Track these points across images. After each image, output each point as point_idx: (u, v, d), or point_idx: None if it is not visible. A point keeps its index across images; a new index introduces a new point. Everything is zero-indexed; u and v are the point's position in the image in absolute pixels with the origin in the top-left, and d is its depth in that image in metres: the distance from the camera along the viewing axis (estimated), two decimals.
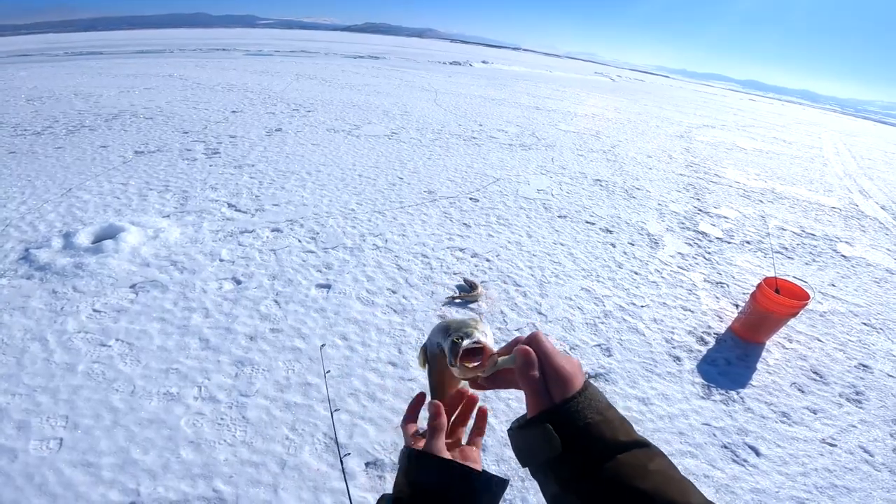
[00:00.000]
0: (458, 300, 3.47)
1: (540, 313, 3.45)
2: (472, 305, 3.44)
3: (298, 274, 3.61)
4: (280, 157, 6.14)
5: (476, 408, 0.70)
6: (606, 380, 3.00)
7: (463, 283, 3.66)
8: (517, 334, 3.20)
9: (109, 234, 3.93)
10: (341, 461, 1.85)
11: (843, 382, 3.42)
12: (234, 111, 8.70)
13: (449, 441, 0.62)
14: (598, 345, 3.28)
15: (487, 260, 4.01)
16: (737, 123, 18.43)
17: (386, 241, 4.11)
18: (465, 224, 4.59)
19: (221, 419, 2.37)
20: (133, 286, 3.29)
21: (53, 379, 2.46)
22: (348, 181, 5.49)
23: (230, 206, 4.62)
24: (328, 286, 3.49)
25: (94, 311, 3.01)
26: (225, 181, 5.21)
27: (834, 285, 4.82)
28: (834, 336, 3.91)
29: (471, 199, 5.21)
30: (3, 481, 1.95)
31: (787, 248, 5.54)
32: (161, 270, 3.51)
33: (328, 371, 2.78)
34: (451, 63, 20.13)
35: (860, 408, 3.22)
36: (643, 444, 0.49)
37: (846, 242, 6.12)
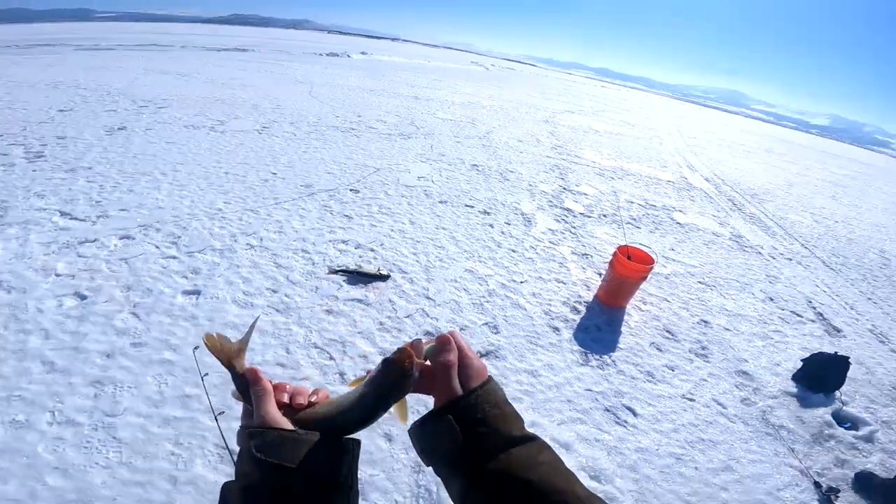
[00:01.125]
0: (347, 272, 3.46)
1: (428, 298, 3.56)
2: (364, 292, 3.43)
3: (159, 282, 3.25)
4: (125, 158, 5.38)
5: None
6: (497, 356, 3.15)
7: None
8: (407, 321, 3.30)
9: None
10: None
11: (690, 339, 3.88)
12: (61, 110, 7.39)
13: (290, 404, 0.55)
14: (486, 323, 3.45)
15: (371, 250, 4.01)
16: (592, 108, 20.76)
17: (261, 239, 3.87)
18: (346, 216, 4.52)
19: (87, 442, 2.13)
20: None
21: None
22: (213, 180, 5.03)
23: (63, 214, 3.96)
24: (197, 292, 3.20)
25: None
26: (54, 187, 4.44)
27: (673, 249, 5.63)
28: (678, 296, 4.50)
29: (351, 190, 5.14)
30: None
31: (635, 219, 6.38)
32: None
33: (205, 374, 2.57)
34: (328, 54, 19.37)
35: (707, 362, 3.66)
36: (533, 439, 0.52)
37: (680, 211, 7.25)
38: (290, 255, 3.73)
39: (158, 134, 6.50)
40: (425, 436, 0.53)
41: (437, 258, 4.11)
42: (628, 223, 6.17)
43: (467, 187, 6.09)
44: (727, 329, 4.11)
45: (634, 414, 2.93)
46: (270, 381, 0.55)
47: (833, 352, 3.78)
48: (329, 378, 2.73)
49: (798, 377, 3.68)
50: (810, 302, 5.05)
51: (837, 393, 3.62)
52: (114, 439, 2.16)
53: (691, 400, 3.19)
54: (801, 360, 3.74)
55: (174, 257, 3.55)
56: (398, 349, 0.53)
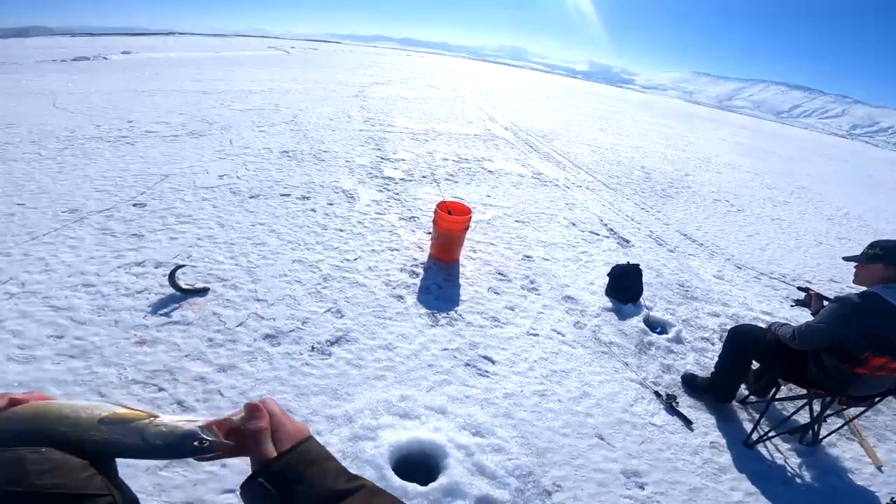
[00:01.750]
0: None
1: (258, 300, 3.32)
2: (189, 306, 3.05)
3: None
4: None
5: None
6: (348, 340, 3.06)
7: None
8: (240, 330, 3.07)
9: None
10: None
11: (520, 276, 4.13)
12: None
13: None
14: (328, 310, 3.33)
15: (179, 266, 3.56)
16: (399, 77, 21.29)
17: (22, 284, 3.11)
18: (135, 235, 3.87)
19: None
20: None
21: None
22: None
23: None
24: None
25: None
26: None
27: (489, 196, 6.19)
28: (501, 237, 4.91)
29: (135, 205, 4.39)
30: None
31: (451, 175, 6.86)
32: None
33: None
34: (73, 60, 15.67)
35: (538, 294, 3.90)
36: (359, 488, 0.52)
37: (489, 160, 8.03)
38: (69, 293, 3.08)
39: None
40: (247, 498, 0.54)
41: (259, 256, 3.86)
42: (446, 179, 6.63)
43: (280, 176, 5.77)
44: (546, 259, 4.59)
45: (492, 362, 3.05)
46: None
47: (626, 261, 4.23)
48: (165, 409, 2.42)
49: (609, 291, 4.04)
50: (602, 220, 6.06)
51: (642, 300, 4.00)
52: None
53: (535, 335, 3.39)
54: (607, 275, 4.14)
55: None
56: (206, 424, 0.56)
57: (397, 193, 5.78)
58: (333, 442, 2.37)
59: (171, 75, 13.65)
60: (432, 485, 2.24)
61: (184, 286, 3.23)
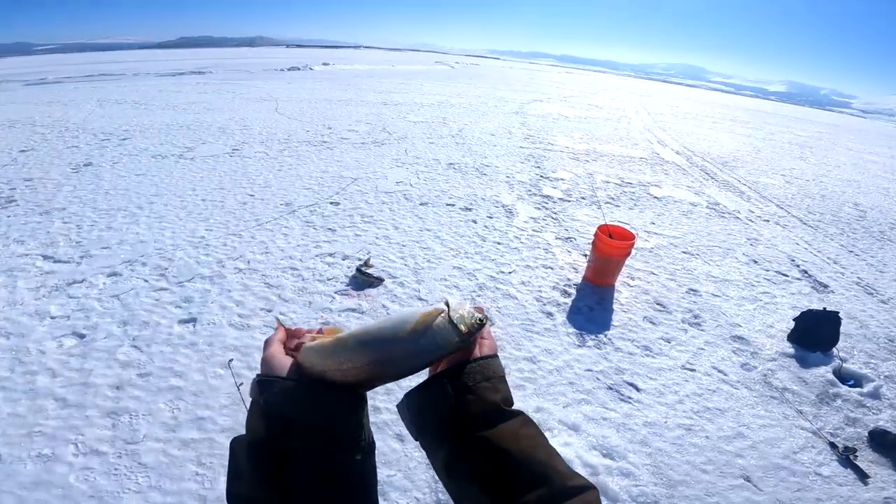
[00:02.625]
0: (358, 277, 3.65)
1: (420, 299, 3.70)
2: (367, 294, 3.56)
3: (154, 314, 3.33)
4: (98, 195, 5.40)
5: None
6: None
7: (357, 273, 3.81)
8: None
9: None
10: None
11: (681, 309, 3.94)
12: (22, 150, 7.30)
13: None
14: None
15: (359, 259, 4.14)
16: (559, 95, 21.15)
17: (248, 262, 3.97)
18: (329, 229, 4.65)
19: (115, 469, 2.22)
20: None
21: None
22: (191, 208, 5.10)
23: (46, 258, 3.99)
24: (193, 320, 3.30)
25: None
26: (32, 231, 4.45)
27: (654, 223, 5.82)
28: (664, 268, 4.63)
29: (331, 203, 5.26)
30: None
31: (613, 198, 6.60)
32: None
33: (241, 384, 2.68)
34: (289, 69, 19.31)
35: (701, 330, 3.71)
36: (518, 414, 0.54)
37: (656, 186, 7.52)
38: (280, 273, 3.84)
39: (126, 167, 6.50)
40: (418, 404, 0.55)
41: (424, 259, 4.26)
42: (606, 203, 6.40)
43: (446, 186, 6.26)
44: (716, 295, 4.23)
45: (637, 389, 2.98)
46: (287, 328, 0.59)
47: (822, 308, 3.80)
48: None
49: (793, 337, 3.69)
50: (793, 260, 5.25)
51: (834, 350, 3.62)
52: (139, 465, 2.26)
53: (691, 370, 3.24)
54: (793, 320, 3.77)
55: (165, 289, 3.62)
56: (476, 308, 0.58)
57: (555, 213, 5.78)
58: None
59: (358, 86, 15.77)
60: None
61: (370, 273, 3.76)
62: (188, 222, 4.74)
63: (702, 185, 8.13)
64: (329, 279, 3.81)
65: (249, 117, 9.15)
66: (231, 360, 2.91)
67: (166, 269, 3.89)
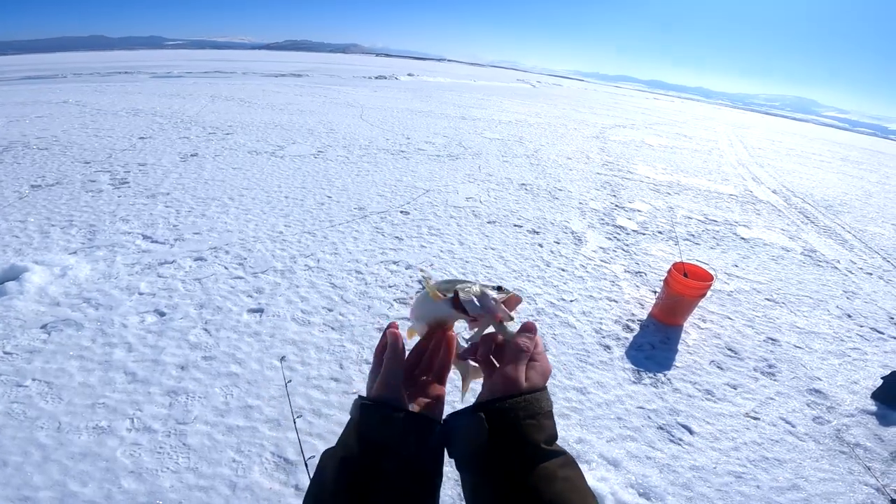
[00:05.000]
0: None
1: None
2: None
3: (227, 301, 3.53)
4: (198, 184, 5.91)
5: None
6: None
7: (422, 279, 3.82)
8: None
9: (11, 275, 3.63)
10: (305, 464, 1.86)
11: (755, 357, 3.71)
12: (142, 137, 8.22)
13: (413, 384, 0.58)
14: None
15: (421, 270, 4.14)
16: (644, 122, 20.19)
17: (318, 260, 4.12)
18: (397, 237, 4.71)
19: (161, 448, 2.32)
20: (44, 326, 3.08)
21: None
22: (274, 203, 5.42)
23: (145, 237, 4.40)
24: (261, 310, 3.45)
25: (5, 353, 2.81)
26: (137, 212, 4.94)
27: (737, 266, 5.35)
28: (742, 313, 4.27)
29: (402, 212, 5.35)
30: None
31: (693, 235, 6.13)
32: (74, 309, 3.31)
33: (289, 381, 2.78)
34: (376, 77, 20.32)
35: (775, 380, 3.50)
36: (559, 454, 0.50)
37: (744, 226, 6.88)
38: (345, 275, 3.94)
39: (226, 160, 7.08)
40: (454, 431, 0.52)
41: (485, 278, 4.17)
42: (686, 239, 5.95)
43: (515, 207, 6.14)
44: (798, 347, 3.89)
45: (690, 432, 2.85)
46: (405, 349, 0.57)
47: None
48: None
49: (878, 395, 3.45)
50: (893, 318, 4.64)
51: None
52: (184, 446, 2.35)
53: (755, 419, 3.06)
54: (882, 378, 3.49)
55: (241, 277, 3.84)
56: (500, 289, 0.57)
57: (627, 245, 5.46)
58: None
59: (439, 99, 16.11)
60: None
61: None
62: (270, 216, 5.04)
63: (799, 229, 7.32)
64: (391, 286, 3.84)
65: (336, 121, 9.64)
66: (283, 358, 3.00)
67: (245, 259, 4.13)
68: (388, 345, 0.55)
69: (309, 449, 2.44)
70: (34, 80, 19.22)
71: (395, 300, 3.68)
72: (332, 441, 2.11)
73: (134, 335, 3.08)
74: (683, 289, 3.63)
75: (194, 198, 5.44)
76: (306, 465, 1.83)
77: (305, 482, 2.21)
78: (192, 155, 7.26)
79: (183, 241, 4.38)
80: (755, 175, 11.57)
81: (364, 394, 0.56)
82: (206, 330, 3.20)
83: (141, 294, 3.55)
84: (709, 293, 3.88)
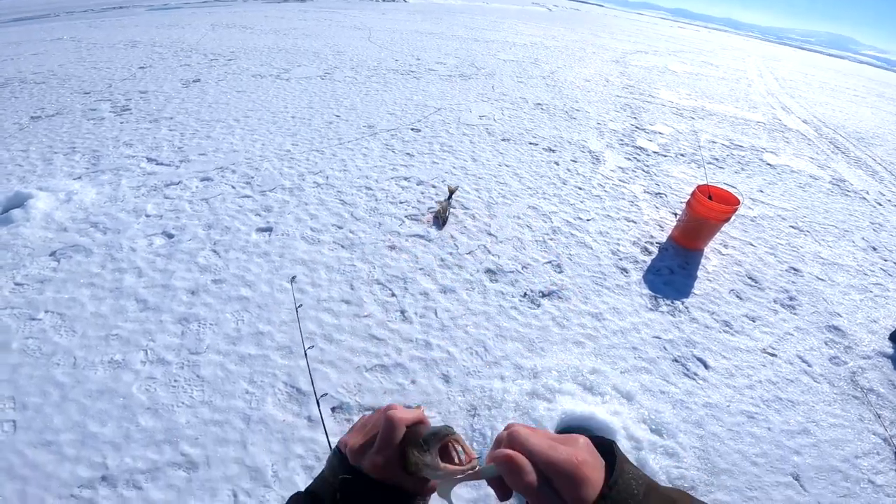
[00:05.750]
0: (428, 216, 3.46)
1: (490, 234, 3.41)
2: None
3: (236, 220, 3.35)
4: (202, 108, 5.54)
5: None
6: (560, 297, 3.00)
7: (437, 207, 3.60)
8: (468, 259, 3.19)
9: (16, 202, 3.46)
10: (317, 402, 1.75)
11: (776, 287, 3.51)
12: (141, 67, 7.71)
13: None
14: (549, 262, 3.27)
15: (433, 186, 3.88)
16: (668, 49, 18.58)
17: (327, 177, 3.86)
18: (407, 154, 4.39)
19: (175, 381, 2.23)
20: (53, 253, 2.93)
21: None
22: (281, 124, 5.07)
23: (150, 160, 4.16)
24: (269, 229, 3.26)
25: (16, 284, 2.67)
26: (140, 137, 4.66)
27: (762, 191, 5.04)
28: (765, 240, 4.04)
29: (412, 129, 4.98)
30: None
31: (717, 159, 5.73)
32: (81, 234, 3.14)
33: (300, 305, 2.64)
34: (383, 0, 18.81)
35: (794, 314, 3.31)
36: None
37: (771, 152, 6.41)
38: (354, 192, 3.69)
39: (229, 84, 6.62)
40: None
41: (499, 194, 3.91)
42: (710, 163, 5.53)
43: (531, 125, 5.70)
44: (820, 279, 3.66)
45: (706, 366, 2.71)
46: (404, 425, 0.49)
47: None
48: (390, 315, 2.71)
49: None
50: None
51: None
52: (197, 378, 2.26)
53: (772, 355, 2.89)
54: None
55: (248, 196, 3.63)
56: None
57: (647, 166, 5.09)
58: (513, 391, 2.34)
59: (450, 21, 14.88)
60: None
61: (442, 205, 3.54)
62: (277, 136, 4.73)
63: (828, 158, 6.77)
64: (402, 202, 3.60)
65: (343, 44, 8.93)
66: (294, 278, 2.84)
67: (252, 177, 3.89)
68: (385, 424, 0.49)
69: (321, 378, 2.34)
70: (25, 20, 18.12)
71: (406, 216, 3.45)
72: (343, 369, 2.08)
73: (143, 259, 2.94)
74: (707, 212, 3.37)
75: (198, 121, 5.11)
76: (318, 402, 1.71)
77: (316, 414, 2.13)
78: (194, 81, 6.80)
79: (188, 163, 4.13)
80: (785, 105, 10.68)
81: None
82: (214, 251, 3.04)
83: (148, 216, 3.36)
84: (732, 218, 3.64)
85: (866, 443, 2.49)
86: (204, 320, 2.56)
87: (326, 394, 2.23)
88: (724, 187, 4.10)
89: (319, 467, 1.97)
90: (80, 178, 3.83)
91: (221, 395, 2.19)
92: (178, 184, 3.78)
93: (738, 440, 2.33)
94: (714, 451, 2.25)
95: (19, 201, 3.44)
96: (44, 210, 3.35)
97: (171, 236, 3.16)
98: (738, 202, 3.38)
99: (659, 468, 2.14)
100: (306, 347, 1.87)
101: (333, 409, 2.21)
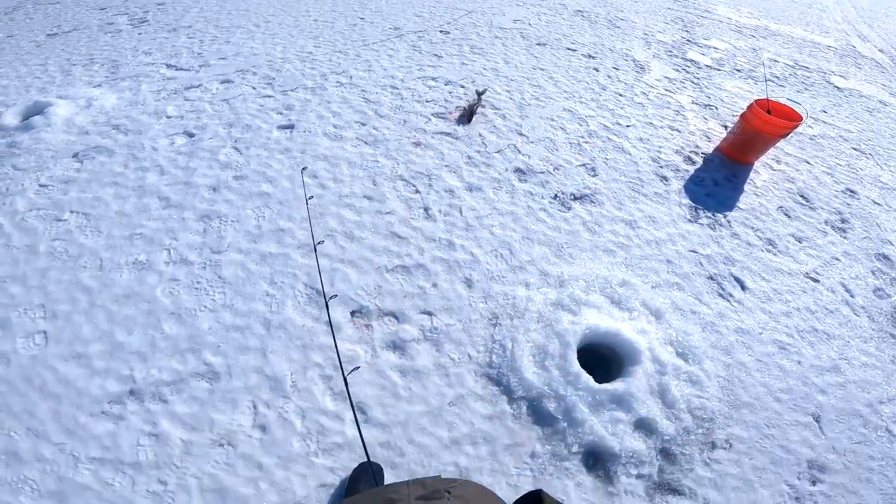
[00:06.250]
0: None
1: (521, 134, 3.15)
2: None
3: (257, 119, 3.18)
4: (221, 15, 5.23)
5: None
6: (592, 201, 2.79)
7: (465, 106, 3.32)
8: (496, 157, 2.95)
9: (36, 110, 3.38)
10: (326, 305, 1.64)
11: (829, 208, 3.27)
12: None
13: None
14: (583, 164, 3.03)
15: (462, 86, 3.55)
16: None
17: (350, 77, 3.58)
18: (435, 55, 4.03)
19: (197, 283, 2.17)
20: (76, 155, 2.85)
21: (18, 265, 2.18)
22: (303, 27, 4.72)
23: (169, 66, 3.97)
24: (291, 126, 3.09)
25: (41, 185, 2.61)
26: (159, 45, 4.45)
27: (825, 111, 4.58)
28: (822, 159, 3.72)
29: (441, 31, 4.56)
30: (6, 389, 1.78)
31: (778, 77, 5.16)
32: (103, 136, 3.04)
33: (310, 197, 2.52)
34: None
35: (844, 237, 3.09)
36: None
37: (840, 76, 5.73)
38: (379, 90, 3.42)
39: None
40: None
41: (532, 97, 3.59)
42: (770, 80, 4.98)
43: (569, 31, 5.13)
44: (877, 203, 3.39)
45: (743, 287, 2.52)
46: None
47: None
48: (413, 212, 2.55)
49: None
50: None
51: None
52: (219, 279, 2.19)
53: (815, 280, 2.68)
54: None
55: (270, 96, 3.43)
56: None
57: (698, 78, 4.60)
58: (537, 300, 2.19)
59: None
60: (605, 385, 1.96)
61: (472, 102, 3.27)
62: (299, 39, 4.41)
63: None
64: (428, 101, 3.33)
65: None
66: (304, 168, 2.69)
67: (273, 78, 3.66)
68: None
69: (340, 279, 2.22)
70: None
71: (432, 114, 3.19)
72: (364, 269, 2.03)
73: (165, 157, 2.83)
74: (763, 125, 3.06)
75: (217, 27, 4.83)
76: (326, 305, 1.59)
77: (335, 318, 2.07)
78: None
79: (208, 67, 3.92)
80: (861, 33, 9.36)
81: None
82: (235, 148, 2.90)
83: (169, 117, 3.23)
84: (790, 135, 3.32)
85: (893, 388, 2.34)
86: (225, 217, 2.47)
87: (336, 295, 2.13)
88: (788, 102, 3.83)
89: (337, 377, 1.93)
90: (99, 85, 3.70)
91: (243, 298, 2.13)
92: (198, 87, 3.60)
93: (765, 372, 2.20)
94: (739, 383, 2.14)
95: (39, 109, 3.36)
96: (64, 116, 3.26)
97: (191, 135, 3.04)
98: (800, 118, 3.05)
99: (680, 396, 2.01)
100: (316, 243, 1.75)
101: (353, 314, 2.13)
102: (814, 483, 1.96)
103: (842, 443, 2.07)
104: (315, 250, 1.85)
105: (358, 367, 1.55)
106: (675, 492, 1.81)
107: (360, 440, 1.70)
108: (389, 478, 1.71)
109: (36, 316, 2.01)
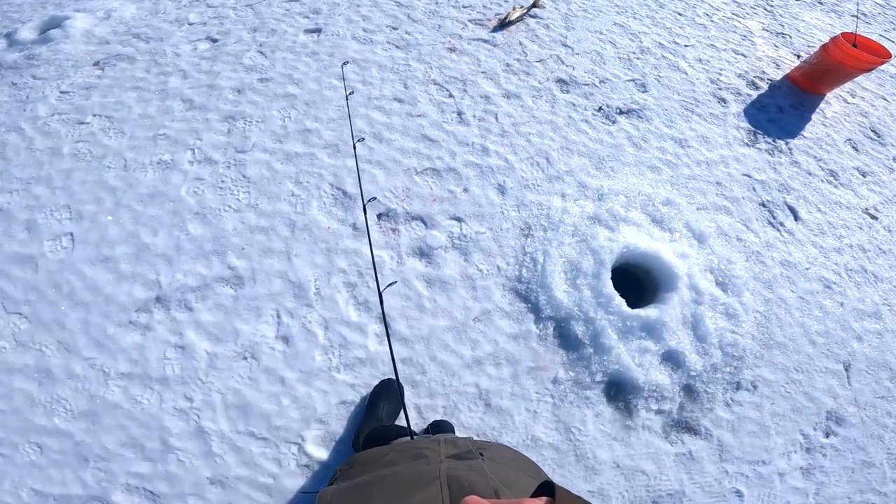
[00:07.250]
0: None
1: (565, 46, 2.83)
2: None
3: (282, 23, 2.92)
4: None
5: None
6: (640, 116, 2.51)
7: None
8: (537, 66, 2.62)
9: (53, 24, 3.19)
10: (364, 208, 1.47)
11: None
12: None
13: None
14: (632, 80, 2.73)
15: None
16: None
17: None
18: None
19: (222, 182, 2.04)
20: (97, 63, 2.67)
21: (42, 167, 2.07)
22: None
23: None
24: (318, 30, 2.83)
25: (62, 92, 2.47)
26: None
27: None
28: None
29: None
30: (37, 298, 1.70)
31: (866, 14, 4.55)
32: (124, 44, 2.84)
33: (351, 92, 2.34)
34: None
35: None
36: None
37: None
38: None
39: None
40: None
41: (579, 8, 3.20)
42: (855, 16, 4.44)
43: None
44: None
45: (795, 217, 2.33)
46: None
47: None
48: (446, 116, 2.33)
49: None
50: None
51: None
52: (244, 178, 2.05)
53: (873, 217, 2.46)
54: None
55: (296, 0, 3.18)
56: None
57: (772, 5, 4.11)
58: (574, 212, 2.00)
59: None
60: (638, 311, 1.77)
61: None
62: None
63: None
64: (465, 6, 2.97)
65: None
66: (345, 63, 2.47)
67: None
68: None
69: (368, 180, 2.04)
70: None
71: (469, 20, 2.86)
72: (392, 171, 2.15)
73: (187, 62, 2.63)
74: (846, 58, 2.75)
75: None
76: (364, 208, 1.41)
77: (362, 221, 1.93)
78: None
79: None
80: None
81: None
82: (261, 52, 2.67)
83: (191, 24, 2.99)
84: (873, 70, 2.96)
85: None
86: (250, 118, 2.30)
87: (375, 198, 1.97)
88: (878, 38, 3.47)
89: (361, 284, 1.80)
90: None
91: (267, 198, 1.99)
92: None
93: (805, 312, 2.03)
94: (776, 320, 1.97)
95: (56, 23, 3.16)
96: (83, 28, 3.06)
97: (215, 41, 2.82)
98: (889, 55, 2.74)
99: (714, 329, 1.83)
100: (355, 140, 1.56)
101: (379, 217, 1.98)
102: (827, 435, 1.85)
103: (865, 395, 1.94)
104: (354, 148, 1.66)
105: (395, 282, 1.43)
106: (692, 431, 1.70)
107: (382, 356, 1.66)
108: (409, 396, 1.63)
109: (62, 217, 1.93)
